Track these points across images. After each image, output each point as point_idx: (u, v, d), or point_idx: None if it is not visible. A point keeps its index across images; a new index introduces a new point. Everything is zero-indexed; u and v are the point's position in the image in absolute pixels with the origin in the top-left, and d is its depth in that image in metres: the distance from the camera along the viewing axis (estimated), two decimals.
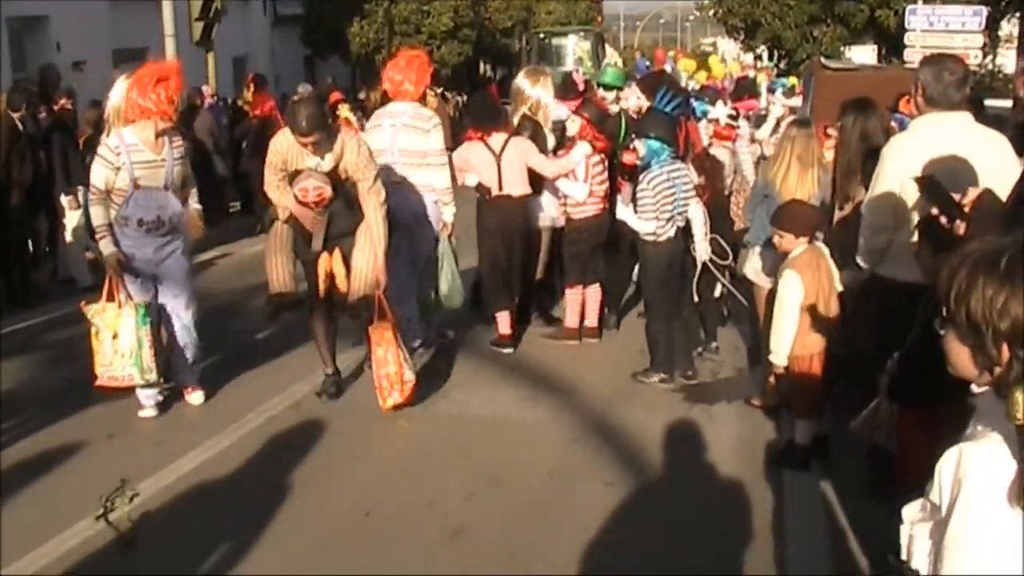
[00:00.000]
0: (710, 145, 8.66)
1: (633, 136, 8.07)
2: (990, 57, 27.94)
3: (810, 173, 6.83)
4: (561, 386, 7.59)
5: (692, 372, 7.58)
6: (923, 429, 4.53)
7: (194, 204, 7.08)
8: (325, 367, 7.37)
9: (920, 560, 2.29)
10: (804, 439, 5.93)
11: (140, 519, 5.34)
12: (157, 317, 6.89)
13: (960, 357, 2.16)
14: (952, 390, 2.44)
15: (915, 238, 4.66)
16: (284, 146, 6.66)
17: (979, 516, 2.06)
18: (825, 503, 5.56)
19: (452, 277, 7.88)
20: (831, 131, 8.75)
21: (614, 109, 9.38)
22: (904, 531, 2.35)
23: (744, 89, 12.09)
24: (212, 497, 5.71)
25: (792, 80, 19.57)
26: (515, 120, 8.55)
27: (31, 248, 11.22)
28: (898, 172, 5.02)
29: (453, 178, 8.11)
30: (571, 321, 8.61)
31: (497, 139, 8.17)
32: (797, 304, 5.76)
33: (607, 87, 10.35)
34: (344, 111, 10.90)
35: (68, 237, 11.09)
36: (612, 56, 31.50)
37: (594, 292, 8.64)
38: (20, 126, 10.30)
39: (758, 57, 37.34)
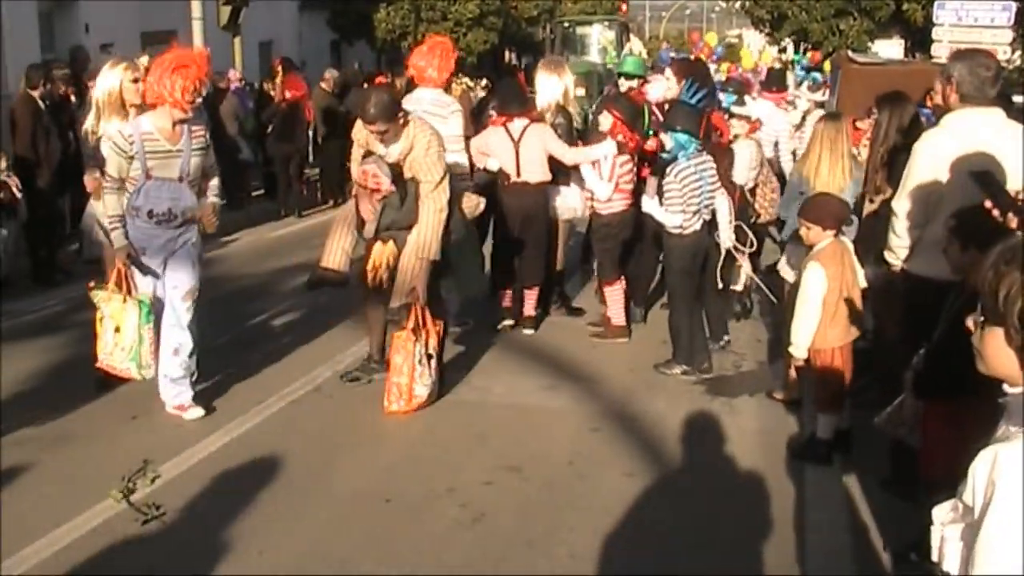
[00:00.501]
0: (735, 138, 8.61)
1: (656, 128, 8.06)
2: (1019, 53, 27.63)
3: (840, 165, 6.79)
4: (582, 375, 7.58)
5: (708, 365, 7.55)
6: (948, 425, 4.51)
7: (212, 197, 6.67)
8: (370, 350, 7.38)
9: (952, 562, 2.26)
10: (826, 433, 5.91)
11: (161, 500, 5.36)
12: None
13: (999, 356, 2.13)
14: (978, 386, 2.42)
15: (945, 234, 4.63)
16: (362, 128, 6.70)
17: (1014, 518, 2.04)
18: (847, 498, 5.54)
19: (470, 264, 7.85)
20: (860, 124, 8.72)
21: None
22: (935, 532, 2.33)
23: (773, 80, 12.04)
24: (233, 480, 5.72)
25: (825, 66, 19.44)
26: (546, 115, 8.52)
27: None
28: (930, 168, 4.99)
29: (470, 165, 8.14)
30: (618, 318, 8.49)
31: (517, 125, 8.16)
32: (820, 297, 5.73)
33: (627, 76, 10.30)
34: None
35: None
36: (635, 44, 31.43)
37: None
38: (41, 104, 10.34)
39: (783, 50, 37.16)
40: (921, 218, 5.14)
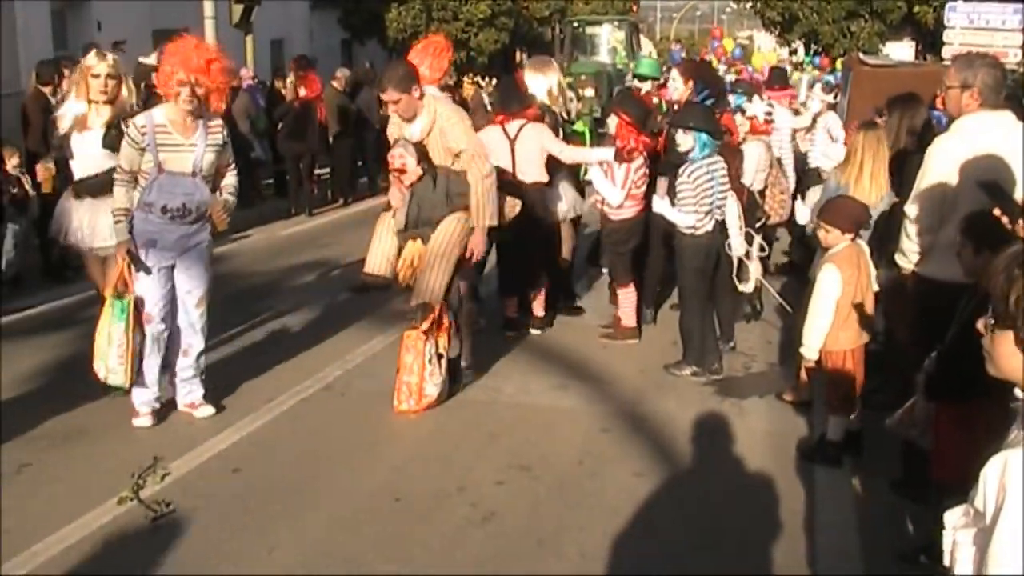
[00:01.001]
0: (744, 139, 8.60)
1: (666, 125, 8.06)
2: None
3: (882, 174, 6.73)
4: (592, 375, 7.59)
5: (718, 367, 7.55)
6: (960, 427, 4.51)
7: (226, 194, 6.52)
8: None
9: (964, 567, 2.27)
10: (836, 435, 5.91)
11: (171, 497, 5.38)
12: (169, 313, 6.41)
13: (1009, 360, 2.13)
14: (990, 389, 2.42)
15: (958, 237, 4.63)
16: (392, 123, 6.77)
17: None
18: (856, 500, 5.54)
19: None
20: None
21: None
22: (947, 537, 2.33)
23: (776, 79, 12.07)
24: (243, 478, 5.74)
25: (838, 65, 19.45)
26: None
27: None
28: (943, 171, 4.99)
29: None
30: (628, 319, 8.51)
31: (514, 125, 8.14)
32: (834, 299, 5.73)
33: (643, 78, 10.29)
34: None
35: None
36: (645, 45, 31.35)
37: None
38: (52, 100, 10.36)
39: (793, 52, 37.11)
40: (934, 221, 5.14)
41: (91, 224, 7.03)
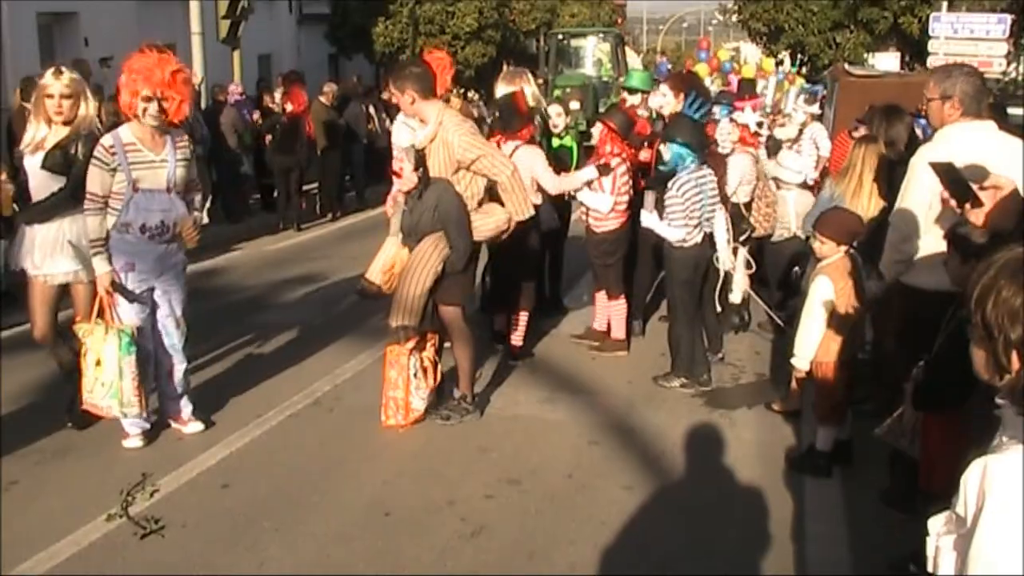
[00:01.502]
0: (732, 151, 8.62)
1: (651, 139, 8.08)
2: (1014, 65, 27.73)
3: (880, 188, 6.76)
4: (581, 388, 7.59)
5: (707, 378, 7.56)
6: (948, 435, 4.54)
7: (194, 211, 6.40)
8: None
9: (946, 572, 2.29)
10: (826, 445, 5.93)
11: (160, 514, 5.37)
12: (150, 336, 6.33)
13: (976, 360, 2.18)
14: (978, 397, 2.45)
15: (944, 246, 4.65)
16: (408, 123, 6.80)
17: (1004, 528, 2.07)
18: (846, 509, 5.54)
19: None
20: (855, 134, 8.75)
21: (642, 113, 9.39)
22: (931, 543, 2.35)
23: (745, 89, 12.13)
24: (232, 493, 5.73)
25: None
26: None
27: None
28: (927, 182, 5.01)
29: None
30: (618, 331, 8.53)
31: (509, 145, 8.13)
32: (827, 310, 5.76)
33: (631, 90, 10.30)
34: None
35: None
36: (632, 59, 31.36)
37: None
38: None
39: (779, 63, 37.21)
40: (918, 231, 5.16)
41: (42, 249, 6.50)
